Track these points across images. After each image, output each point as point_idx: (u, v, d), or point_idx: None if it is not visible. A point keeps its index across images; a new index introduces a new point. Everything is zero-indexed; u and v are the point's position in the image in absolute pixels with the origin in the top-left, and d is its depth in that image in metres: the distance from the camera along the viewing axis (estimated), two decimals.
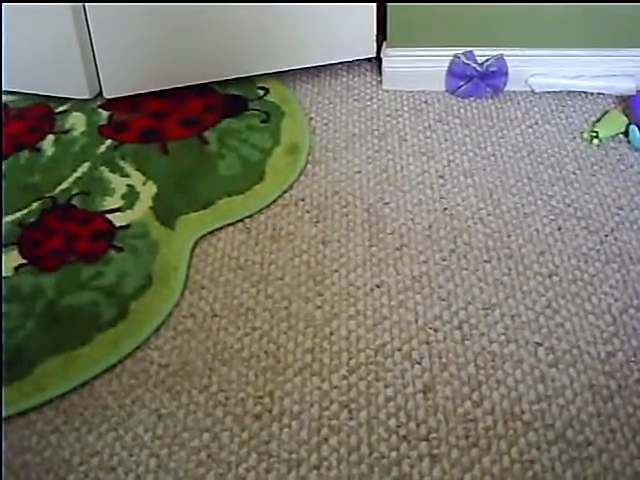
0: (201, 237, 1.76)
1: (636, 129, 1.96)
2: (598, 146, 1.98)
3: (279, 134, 2.04)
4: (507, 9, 2.07)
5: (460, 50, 2.12)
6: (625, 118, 2.03)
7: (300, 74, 2.24)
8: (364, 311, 1.58)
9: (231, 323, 1.56)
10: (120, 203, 1.85)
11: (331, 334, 1.54)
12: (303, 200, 1.85)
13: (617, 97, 2.14)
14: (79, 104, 2.15)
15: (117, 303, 1.61)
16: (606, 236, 1.74)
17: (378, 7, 2.13)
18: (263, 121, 2.08)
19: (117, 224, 1.79)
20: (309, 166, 1.95)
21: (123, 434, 1.38)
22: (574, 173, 1.90)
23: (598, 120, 2.06)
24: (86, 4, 1.99)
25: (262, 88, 2.19)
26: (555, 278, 1.64)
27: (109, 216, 1.81)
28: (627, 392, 1.42)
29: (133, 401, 1.43)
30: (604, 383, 1.44)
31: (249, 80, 2.20)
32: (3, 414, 1.41)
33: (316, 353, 1.50)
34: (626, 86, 2.13)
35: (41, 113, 2.13)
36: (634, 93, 2.12)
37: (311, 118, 2.10)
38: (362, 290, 1.62)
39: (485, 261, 1.68)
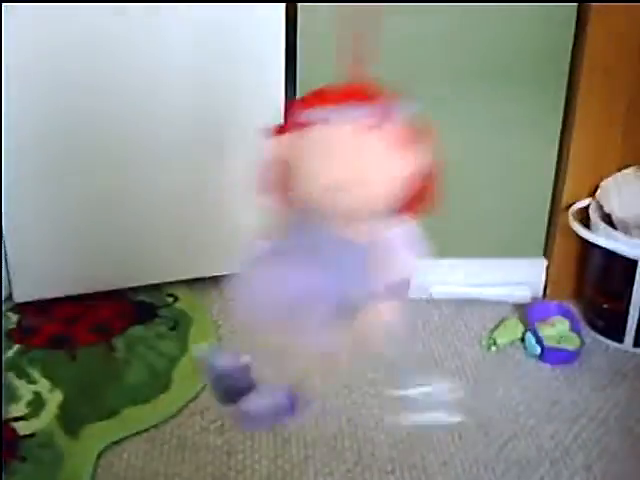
0: (106, 447, 1.75)
1: (531, 336, 2.05)
2: (496, 353, 2.06)
3: (187, 342, 2.06)
4: None
5: None
6: (522, 325, 2.12)
7: (209, 282, 2.28)
8: None
9: None
10: (25, 411, 1.83)
11: None
12: (209, 409, 1.86)
13: (514, 304, 2.23)
14: None
15: None
16: (505, 444, 1.78)
17: None
18: (171, 328, 2.11)
19: (22, 433, 1.77)
20: None
21: None
22: (475, 380, 1.96)
23: (496, 327, 2.14)
24: None
25: (171, 295, 2.24)
26: None
27: (14, 424, 1.79)
28: None
29: None
30: None
31: (159, 287, 2.25)
32: None
33: None
34: (522, 294, 2.24)
35: None
36: (529, 301, 2.23)
37: (219, 325, 2.13)
38: None
39: (388, 472, 1.70)
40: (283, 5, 1.96)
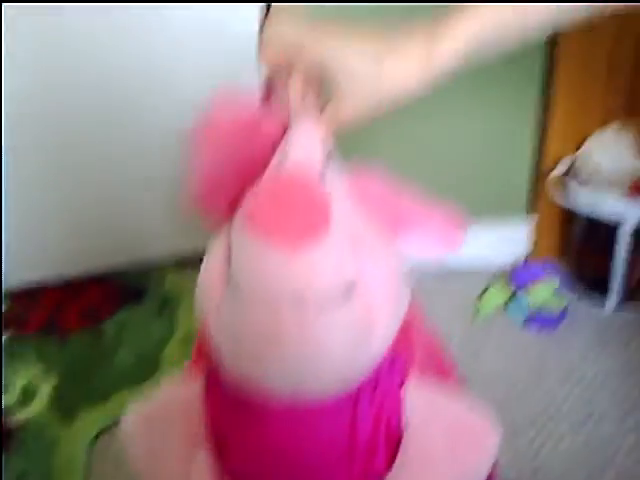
0: (99, 432, 1.76)
1: (515, 303, 2.08)
2: (482, 322, 2.07)
3: (176, 323, 2.08)
4: None
5: None
6: (507, 290, 2.13)
7: (196, 261, 2.26)
8: None
9: None
10: (18, 399, 1.85)
11: None
12: None
13: (498, 270, 2.24)
14: None
15: None
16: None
17: None
18: (159, 310, 2.13)
19: (15, 420, 1.79)
20: None
21: None
22: (460, 352, 1.95)
23: (481, 295, 2.15)
24: None
25: (159, 276, 2.25)
26: None
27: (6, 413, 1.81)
28: None
29: None
30: None
31: (146, 268, 2.26)
32: None
33: None
34: (505, 259, 2.25)
35: None
36: (513, 265, 2.24)
37: None
38: None
39: None
40: None
